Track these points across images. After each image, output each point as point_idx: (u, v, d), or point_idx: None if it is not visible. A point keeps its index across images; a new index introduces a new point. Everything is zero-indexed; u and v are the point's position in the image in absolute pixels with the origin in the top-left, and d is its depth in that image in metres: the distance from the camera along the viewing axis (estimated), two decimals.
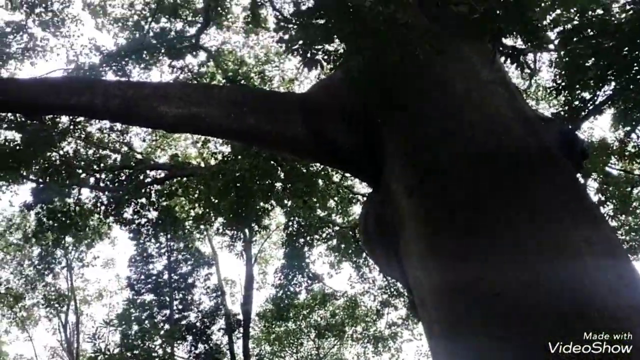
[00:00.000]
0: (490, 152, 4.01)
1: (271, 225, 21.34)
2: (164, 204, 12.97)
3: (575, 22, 5.05)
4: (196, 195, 12.44)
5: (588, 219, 3.66)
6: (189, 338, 20.83)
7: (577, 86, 4.97)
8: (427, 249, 3.87)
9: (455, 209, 3.82)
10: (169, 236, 20.65)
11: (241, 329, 21.62)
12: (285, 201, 10.87)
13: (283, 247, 18.70)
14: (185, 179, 12.77)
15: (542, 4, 5.08)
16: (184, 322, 21.45)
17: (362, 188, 16.69)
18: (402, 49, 4.21)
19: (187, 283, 22.45)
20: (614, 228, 10.64)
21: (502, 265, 3.32)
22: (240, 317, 21.99)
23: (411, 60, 4.32)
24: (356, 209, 17.04)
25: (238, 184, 8.76)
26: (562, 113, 5.16)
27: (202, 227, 18.93)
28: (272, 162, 9.32)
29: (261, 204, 10.42)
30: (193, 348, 20.71)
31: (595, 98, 5.06)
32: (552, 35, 8.76)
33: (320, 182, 13.48)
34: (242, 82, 11.75)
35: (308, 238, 16.56)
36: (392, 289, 18.85)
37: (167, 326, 20.58)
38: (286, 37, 4.53)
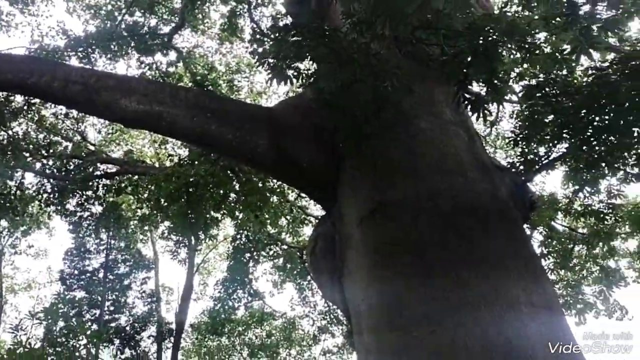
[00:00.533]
0: (445, 194, 4.07)
1: (218, 236, 21.03)
2: (111, 199, 12.59)
3: (540, 79, 5.23)
4: (145, 195, 12.12)
5: (529, 270, 3.75)
6: (117, 341, 20.10)
7: (534, 140, 5.13)
8: (370, 280, 3.88)
9: (403, 246, 3.85)
10: (110, 234, 20.04)
11: (172, 339, 21.03)
12: (237, 213, 10.71)
13: (228, 259, 18.41)
14: (136, 177, 12.45)
15: (511, 56, 5.26)
16: (113, 324, 20.72)
17: (315, 210, 16.70)
18: (373, 79, 4.26)
19: (122, 284, 21.76)
20: (553, 281, 10.98)
21: (441, 306, 3.36)
22: (173, 326, 21.41)
23: (381, 93, 4.38)
24: (307, 230, 17.00)
25: (190, 189, 8.58)
26: (517, 164, 5.31)
27: (146, 228, 18.49)
28: (228, 171, 9.20)
29: (212, 212, 10.24)
30: (119, 352, 19.98)
31: (550, 154, 5.23)
32: (517, 87, 9.09)
33: (274, 198, 13.40)
34: (210, 87, 11.64)
35: (255, 253, 16.37)
36: (332, 316, 18.79)
37: (95, 326, 19.82)
38: (260, 50, 4.53)
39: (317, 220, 10.38)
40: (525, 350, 3.13)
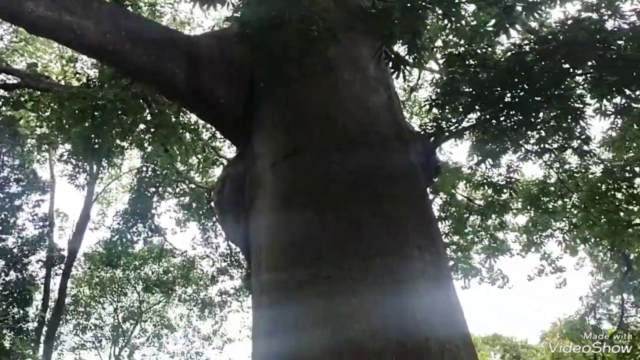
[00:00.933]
0: (359, 147, 4.13)
1: (123, 166, 20.24)
2: (8, 113, 11.65)
3: (462, 49, 5.36)
4: (47, 114, 11.32)
5: (426, 230, 3.92)
6: (1, 262, 19.06)
7: (448, 107, 5.30)
8: (276, 221, 3.91)
9: (312, 192, 3.89)
10: (3, 150, 18.63)
11: (62, 266, 20.26)
12: (145, 144, 10.29)
13: (130, 192, 17.78)
14: (39, 92, 11.55)
15: (438, 22, 5.33)
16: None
17: (229, 153, 16.46)
18: (301, 20, 4.16)
19: (12, 204, 20.42)
20: (446, 244, 11.66)
21: (340, 252, 3.45)
22: (65, 253, 20.60)
23: (307, 36, 4.30)
24: (218, 172, 16.72)
25: (97, 113, 8.09)
26: (429, 128, 5.48)
27: (45, 148, 17.39)
28: (140, 100, 8.78)
29: (118, 140, 9.76)
30: (4, 274, 18.99)
31: (461, 123, 5.44)
32: (440, 57, 9.29)
33: (187, 135, 12.99)
34: (129, 7, 10.88)
35: (160, 189, 15.93)
36: (233, 259, 18.85)
37: None
38: None
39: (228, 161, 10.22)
40: (412, 301, 3.30)
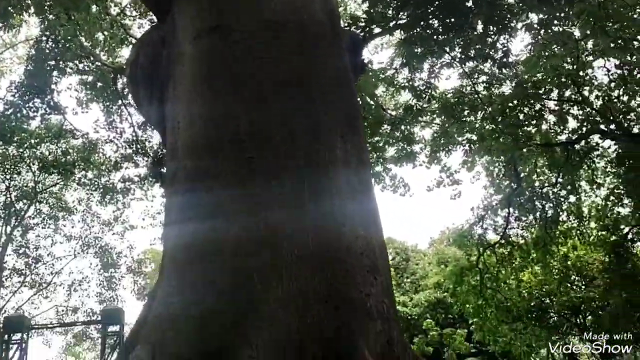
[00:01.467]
0: (291, 32, 3.96)
1: (20, 35, 18.31)
2: None
3: None
4: None
5: (350, 122, 3.92)
6: None
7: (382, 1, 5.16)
8: (196, 97, 3.72)
9: (237, 71, 3.70)
10: None
11: None
12: (46, 8, 9.24)
13: (27, 64, 16.22)
14: None
15: None
16: None
17: (138, 33, 15.32)
18: None
19: None
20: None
21: (267, 133, 3.37)
22: None
23: None
24: (125, 52, 15.60)
25: None
26: (361, 21, 5.34)
27: None
28: None
29: (15, 1, 8.68)
30: None
31: (392, 20, 5.35)
32: None
33: (94, 7, 11.84)
34: None
35: (61, 63, 14.65)
36: (139, 145, 18.12)
37: None
38: None
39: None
40: (330, 188, 3.33)
